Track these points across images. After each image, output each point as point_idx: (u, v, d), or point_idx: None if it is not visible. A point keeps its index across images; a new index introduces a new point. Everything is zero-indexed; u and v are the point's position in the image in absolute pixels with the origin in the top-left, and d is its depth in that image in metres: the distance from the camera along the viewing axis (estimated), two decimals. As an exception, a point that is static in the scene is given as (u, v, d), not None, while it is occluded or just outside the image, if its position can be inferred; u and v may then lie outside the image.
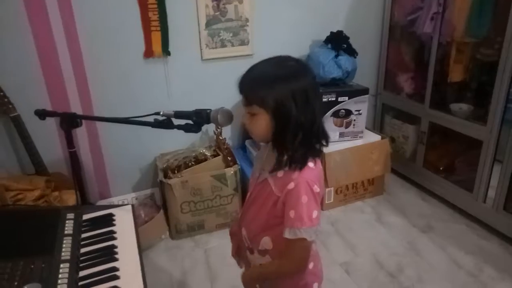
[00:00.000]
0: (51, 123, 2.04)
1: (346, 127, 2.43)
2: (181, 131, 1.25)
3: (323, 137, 0.96)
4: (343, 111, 2.37)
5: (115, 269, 1.03)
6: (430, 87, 2.41)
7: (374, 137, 2.53)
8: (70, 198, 1.96)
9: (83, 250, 1.10)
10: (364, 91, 2.39)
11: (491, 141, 2.07)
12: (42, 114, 1.40)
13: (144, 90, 2.26)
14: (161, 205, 2.35)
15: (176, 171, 2.24)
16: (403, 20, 2.58)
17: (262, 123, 0.91)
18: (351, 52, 2.45)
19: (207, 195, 2.20)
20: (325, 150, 0.99)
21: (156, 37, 2.17)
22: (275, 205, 0.95)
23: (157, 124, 1.26)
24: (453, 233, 2.21)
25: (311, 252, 1.02)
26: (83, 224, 1.22)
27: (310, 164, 0.93)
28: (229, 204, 2.26)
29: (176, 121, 1.26)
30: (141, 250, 1.13)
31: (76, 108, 2.13)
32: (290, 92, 0.87)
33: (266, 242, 1.02)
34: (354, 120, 2.42)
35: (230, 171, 2.20)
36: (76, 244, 1.11)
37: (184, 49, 2.27)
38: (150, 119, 1.28)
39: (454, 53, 2.25)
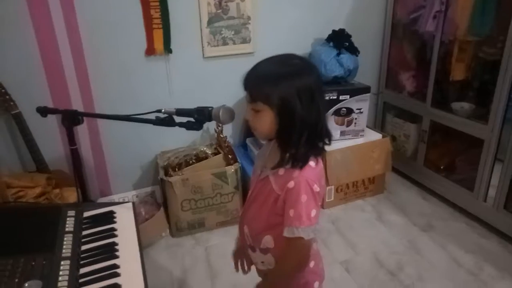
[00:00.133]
0: (52, 120, 2.04)
1: (347, 126, 2.42)
2: (182, 129, 1.25)
3: (327, 135, 0.96)
4: (344, 109, 2.37)
5: (115, 266, 1.04)
6: (431, 86, 2.40)
7: (375, 136, 2.53)
8: (71, 195, 1.96)
9: (83, 247, 1.11)
10: (365, 90, 2.39)
11: (492, 140, 2.06)
12: (43, 111, 1.39)
13: (145, 87, 2.26)
14: (161, 203, 2.35)
15: (176, 169, 2.24)
16: (405, 18, 2.56)
17: (266, 120, 0.91)
18: (353, 51, 2.44)
19: (208, 193, 2.20)
20: (326, 148, 0.99)
21: (158, 34, 2.17)
22: (276, 203, 0.95)
23: (158, 122, 1.26)
24: (454, 232, 2.21)
25: (312, 251, 1.02)
26: (84, 221, 1.22)
27: (311, 163, 0.93)
28: (230, 202, 2.27)
29: (177, 119, 1.26)
30: (141, 247, 1.13)
31: (77, 105, 2.13)
32: (295, 90, 0.87)
33: (267, 240, 1.02)
34: (355, 118, 2.41)
35: (230, 169, 2.20)
36: (77, 241, 1.11)
37: (185, 47, 2.26)
38: (152, 116, 1.28)
39: (456, 51, 2.24)
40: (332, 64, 2.34)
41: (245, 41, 2.39)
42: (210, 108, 1.19)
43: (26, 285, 0.91)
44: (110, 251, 1.10)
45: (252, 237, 1.08)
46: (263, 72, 0.92)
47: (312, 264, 1.06)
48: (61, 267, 0.99)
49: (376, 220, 2.37)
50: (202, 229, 2.28)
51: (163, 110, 1.26)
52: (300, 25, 2.51)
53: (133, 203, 1.35)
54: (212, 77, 2.40)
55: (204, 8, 2.23)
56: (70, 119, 1.35)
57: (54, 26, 1.97)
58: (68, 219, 1.19)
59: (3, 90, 1.90)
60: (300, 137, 0.89)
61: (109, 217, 1.26)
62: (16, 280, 0.92)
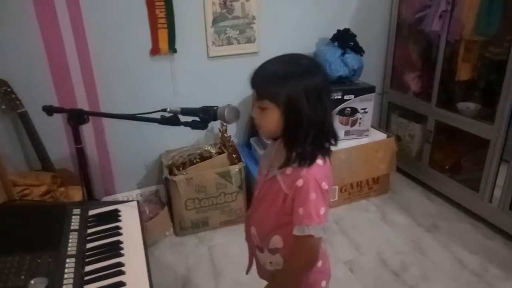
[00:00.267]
0: (58, 119, 2.04)
1: (352, 126, 2.42)
2: (186, 128, 1.25)
3: (333, 136, 0.96)
4: (349, 109, 2.37)
5: (120, 264, 1.04)
6: (437, 86, 2.39)
7: (380, 136, 2.52)
8: (76, 194, 1.97)
9: (89, 245, 1.11)
10: (370, 89, 2.38)
11: (498, 141, 2.05)
12: (49, 110, 1.40)
13: (150, 87, 2.27)
14: (165, 202, 2.36)
15: (181, 168, 2.25)
16: (411, 18, 2.55)
17: (272, 118, 0.91)
18: (358, 50, 2.44)
19: (212, 192, 2.20)
20: (331, 148, 0.99)
21: (163, 34, 2.17)
22: (284, 202, 0.95)
23: (164, 121, 1.27)
24: (458, 233, 2.20)
25: (320, 250, 1.02)
26: (89, 219, 1.23)
27: (319, 161, 0.93)
28: (234, 201, 2.27)
29: (182, 118, 1.26)
30: (146, 246, 1.14)
31: (82, 104, 2.14)
32: (302, 89, 0.87)
33: (276, 240, 1.02)
34: (360, 118, 2.41)
35: (234, 168, 2.20)
36: (82, 240, 1.11)
37: (190, 46, 2.27)
38: (157, 115, 1.28)
39: (462, 51, 2.23)
40: (336, 64, 2.34)
41: (249, 40, 2.39)
42: (215, 108, 1.19)
43: (32, 282, 0.91)
44: (115, 249, 1.10)
45: (260, 237, 1.07)
46: (271, 70, 0.92)
47: (319, 263, 1.06)
48: (67, 265, 0.99)
49: (380, 220, 2.36)
50: (205, 228, 2.28)
51: (168, 110, 1.26)
52: (305, 25, 2.51)
53: (138, 202, 1.36)
54: (217, 76, 2.40)
55: (209, 7, 2.23)
56: (76, 118, 1.36)
57: (59, 26, 1.98)
58: (73, 217, 1.19)
59: (9, 89, 1.92)
60: (306, 136, 0.90)
61: (114, 216, 1.26)
62: (22, 277, 0.93)
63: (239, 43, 2.37)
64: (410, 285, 1.84)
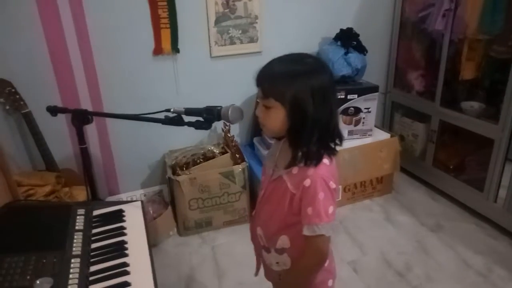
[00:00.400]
0: (62, 119, 2.06)
1: (355, 125, 2.41)
2: (190, 128, 1.25)
3: (338, 136, 0.96)
4: (352, 109, 2.36)
5: (125, 264, 1.04)
6: (441, 85, 2.38)
7: (383, 135, 2.51)
8: (80, 194, 1.98)
9: (93, 245, 1.11)
10: (373, 89, 2.37)
11: (502, 140, 2.04)
12: (53, 110, 1.41)
13: (153, 87, 2.27)
14: (169, 202, 2.36)
15: (184, 168, 2.25)
16: (414, 17, 2.55)
17: (277, 117, 0.91)
18: (361, 49, 2.43)
19: (215, 192, 2.20)
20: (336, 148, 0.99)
21: (166, 34, 2.17)
22: (292, 202, 0.95)
23: (167, 121, 1.27)
24: (463, 233, 2.19)
25: None
26: (94, 219, 1.23)
27: (326, 161, 0.93)
28: (237, 201, 2.27)
29: (186, 118, 1.26)
30: (151, 246, 1.14)
31: (86, 105, 2.15)
32: (309, 88, 0.87)
33: (283, 241, 1.02)
34: (363, 118, 2.40)
35: (238, 168, 2.20)
36: (87, 240, 1.12)
37: (193, 46, 2.27)
38: (161, 116, 1.29)
39: (466, 50, 2.22)
40: (340, 63, 2.33)
41: (252, 40, 2.39)
42: (219, 108, 1.19)
43: (38, 282, 0.92)
44: (119, 249, 1.10)
45: (266, 238, 1.07)
46: (277, 69, 0.92)
47: (326, 262, 1.06)
48: (72, 265, 0.99)
49: (384, 220, 2.35)
50: (209, 228, 2.28)
51: (172, 110, 1.26)
52: (308, 24, 2.51)
53: (142, 202, 1.36)
54: (220, 76, 2.40)
55: (212, 7, 2.23)
56: (80, 118, 1.36)
57: (63, 26, 1.99)
58: (78, 217, 1.20)
59: (13, 90, 1.92)
60: (311, 135, 0.90)
61: (118, 216, 1.26)
62: (28, 277, 0.93)
63: (241, 42, 2.37)
64: (414, 286, 1.84)
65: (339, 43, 2.42)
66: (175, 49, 2.22)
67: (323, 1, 2.49)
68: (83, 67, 2.10)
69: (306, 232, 0.91)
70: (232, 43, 2.35)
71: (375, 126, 2.52)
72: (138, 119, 1.34)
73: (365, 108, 2.38)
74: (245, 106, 2.36)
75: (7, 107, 1.95)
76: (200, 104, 1.28)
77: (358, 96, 2.33)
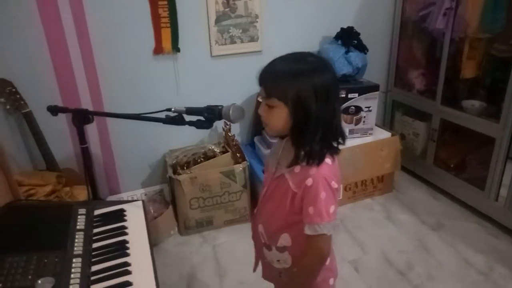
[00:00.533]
0: (62, 119, 2.05)
1: (356, 124, 2.41)
2: (190, 128, 1.25)
3: (340, 135, 0.96)
4: (353, 107, 2.36)
5: (127, 264, 1.04)
6: (441, 84, 2.38)
7: (384, 134, 2.51)
8: (81, 193, 1.98)
9: (95, 245, 1.11)
10: (374, 88, 2.37)
11: (503, 139, 2.03)
12: (54, 110, 1.40)
13: (153, 86, 2.27)
14: (170, 201, 2.37)
15: (185, 167, 2.25)
16: (414, 15, 2.54)
17: (280, 116, 0.91)
18: (362, 48, 2.43)
19: (216, 192, 2.20)
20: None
21: (166, 33, 2.17)
22: (293, 201, 0.95)
23: (168, 121, 1.27)
24: (464, 231, 2.19)
25: None
26: (95, 219, 1.23)
27: (328, 160, 0.93)
28: (238, 200, 2.27)
29: (187, 117, 1.26)
30: (152, 245, 1.14)
31: (86, 104, 2.15)
32: (311, 87, 0.87)
33: (285, 239, 1.02)
34: (364, 117, 2.40)
35: (239, 167, 2.20)
36: (88, 239, 1.12)
37: (193, 45, 2.27)
38: (162, 115, 1.28)
39: (467, 49, 2.22)
40: (340, 62, 2.33)
41: (253, 39, 2.38)
42: (220, 107, 1.19)
43: (39, 282, 0.92)
44: (121, 249, 1.10)
45: (268, 235, 1.07)
46: (280, 68, 0.92)
47: (327, 261, 1.06)
48: (73, 265, 0.99)
49: (385, 219, 2.35)
50: (210, 227, 2.28)
51: (173, 109, 1.26)
52: (308, 23, 2.50)
53: (143, 201, 1.36)
54: (220, 75, 2.39)
55: (212, 6, 2.23)
56: (81, 118, 1.36)
57: (63, 26, 1.98)
58: (79, 217, 1.20)
59: (13, 90, 1.92)
60: (314, 135, 0.90)
61: (119, 215, 1.26)
62: (30, 277, 0.93)
63: (242, 42, 2.36)
64: (415, 285, 1.84)
65: (339, 42, 2.41)
66: (175, 48, 2.22)
67: (324, 0, 2.49)
68: (84, 66, 2.09)
69: (307, 231, 0.92)
70: (233, 42, 2.35)
71: (376, 125, 2.52)
72: (139, 119, 1.33)
73: (366, 107, 2.38)
74: (245, 105, 2.35)
75: (8, 107, 1.95)
76: (201, 103, 1.28)
77: (358, 95, 2.33)
